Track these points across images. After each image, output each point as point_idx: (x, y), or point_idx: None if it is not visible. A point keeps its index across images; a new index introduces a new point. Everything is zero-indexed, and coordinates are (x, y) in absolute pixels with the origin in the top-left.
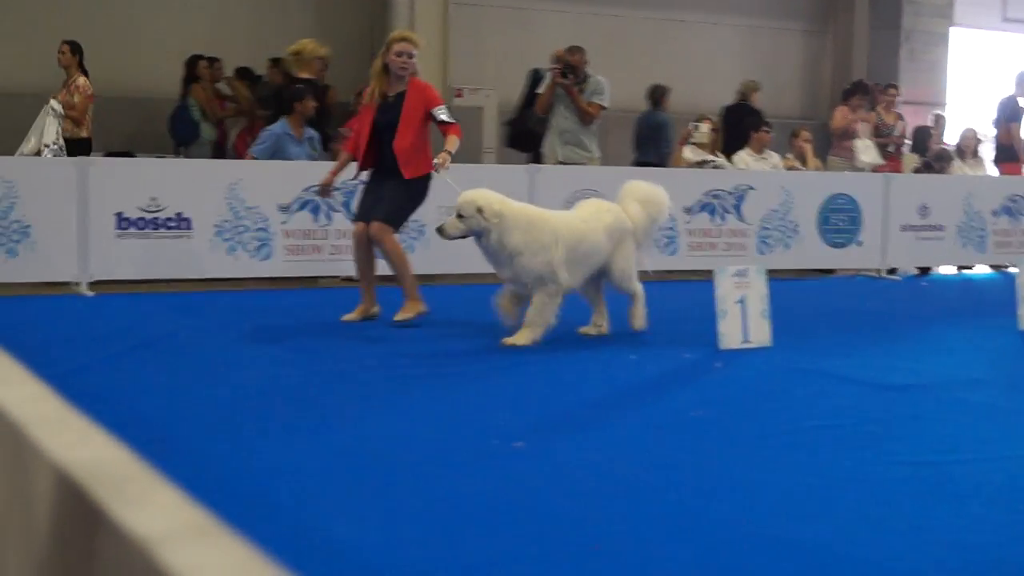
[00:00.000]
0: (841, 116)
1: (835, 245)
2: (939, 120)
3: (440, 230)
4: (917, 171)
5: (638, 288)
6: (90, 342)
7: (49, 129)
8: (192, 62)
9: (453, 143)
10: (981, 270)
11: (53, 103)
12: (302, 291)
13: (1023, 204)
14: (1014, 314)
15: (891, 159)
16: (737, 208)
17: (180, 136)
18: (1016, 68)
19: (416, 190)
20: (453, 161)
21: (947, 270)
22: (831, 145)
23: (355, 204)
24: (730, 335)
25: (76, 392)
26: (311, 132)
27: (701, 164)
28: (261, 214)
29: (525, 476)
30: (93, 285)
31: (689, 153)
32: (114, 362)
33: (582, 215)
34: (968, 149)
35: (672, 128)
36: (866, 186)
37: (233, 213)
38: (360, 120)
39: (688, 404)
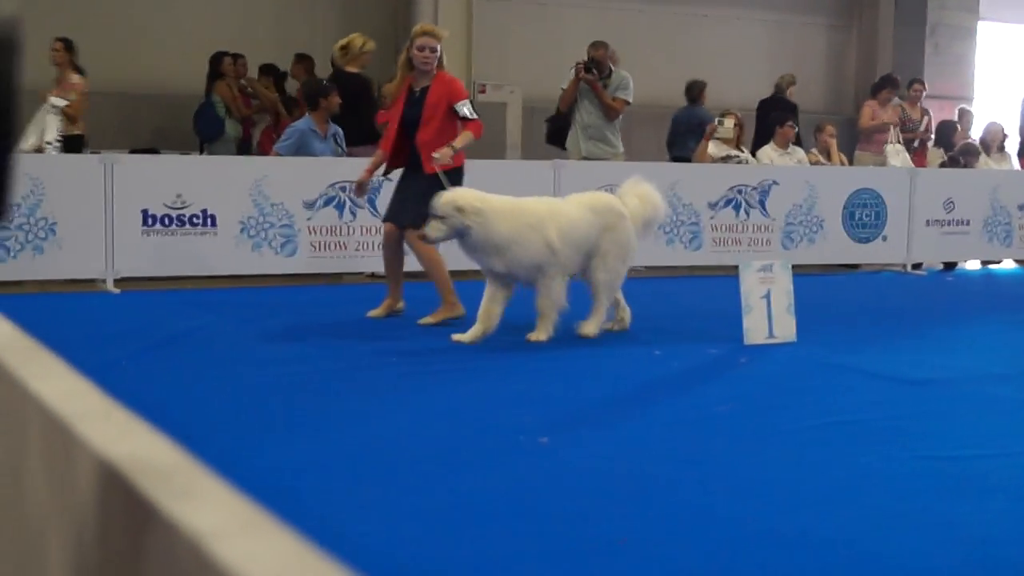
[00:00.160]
0: (870, 111)
1: (860, 240)
2: (964, 114)
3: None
4: (943, 165)
5: (601, 286)
6: (115, 339)
7: (51, 126)
8: (216, 59)
9: (463, 139)
10: (1007, 265)
11: (54, 100)
12: (327, 287)
13: None
14: None
15: (916, 154)
16: (761, 203)
17: (205, 133)
18: None
19: (442, 186)
20: (475, 157)
21: (973, 265)
22: (857, 140)
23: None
24: (755, 330)
25: (102, 388)
26: (335, 128)
27: (725, 159)
28: (286, 210)
29: (551, 471)
30: (119, 282)
31: (713, 148)
32: (138, 359)
33: (570, 199)
34: (993, 143)
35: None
36: (891, 181)
37: (258, 210)
38: (391, 116)
39: (713, 399)
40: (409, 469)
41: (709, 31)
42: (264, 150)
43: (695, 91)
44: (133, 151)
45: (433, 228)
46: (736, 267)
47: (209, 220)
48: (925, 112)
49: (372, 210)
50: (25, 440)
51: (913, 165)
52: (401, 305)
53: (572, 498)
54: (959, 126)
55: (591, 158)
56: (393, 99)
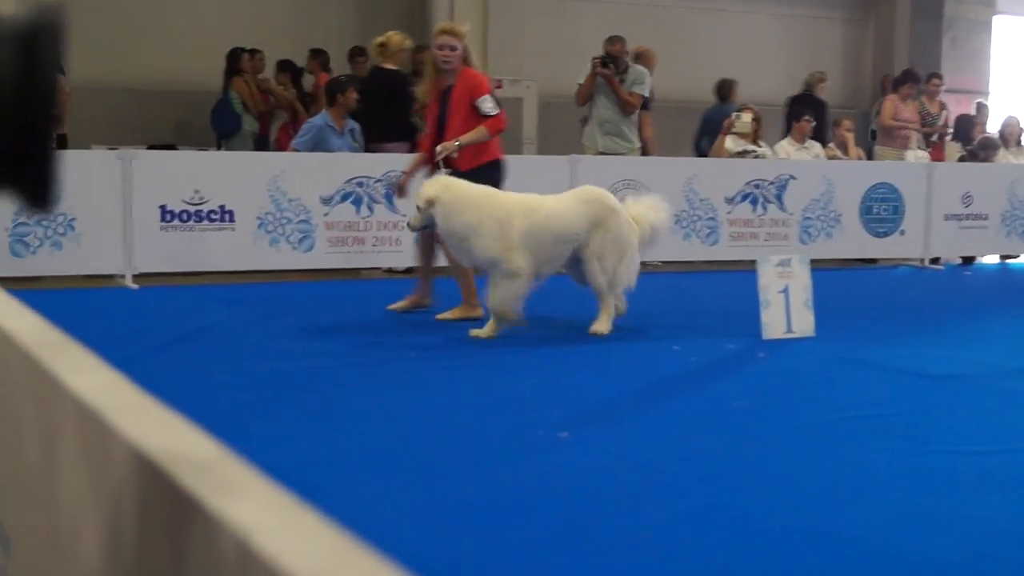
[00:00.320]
0: (891, 106)
1: (878, 235)
2: (982, 108)
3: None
4: (961, 160)
5: (603, 289)
6: (134, 335)
7: None
8: (234, 55)
9: (472, 134)
10: None
11: None
12: (344, 283)
13: None
14: None
15: (934, 148)
16: (779, 198)
17: (222, 129)
18: None
19: (478, 181)
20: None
21: (991, 259)
22: (875, 134)
23: None
24: (773, 325)
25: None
26: (352, 124)
27: (742, 154)
28: (303, 206)
29: (570, 465)
30: (137, 278)
31: (730, 143)
32: (158, 354)
33: (560, 196)
34: (1011, 137)
35: None
36: (909, 175)
37: (275, 205)
38: (428, 117)
39: (731, 394)
40: (431, 464)
41: (726, 26)
42: (281, 146)
43: (725, 89)
44: (151, 147)
45: (414, 217)
46: (753, 262)
47: (227, 216)
48: (943, 107)
49: (389, 206)
50: (59, 433)
51: None
52: (428, 301)
53: (591, 493)
54: (977, 120)
55: (608, 153)
56: (426, 100)
